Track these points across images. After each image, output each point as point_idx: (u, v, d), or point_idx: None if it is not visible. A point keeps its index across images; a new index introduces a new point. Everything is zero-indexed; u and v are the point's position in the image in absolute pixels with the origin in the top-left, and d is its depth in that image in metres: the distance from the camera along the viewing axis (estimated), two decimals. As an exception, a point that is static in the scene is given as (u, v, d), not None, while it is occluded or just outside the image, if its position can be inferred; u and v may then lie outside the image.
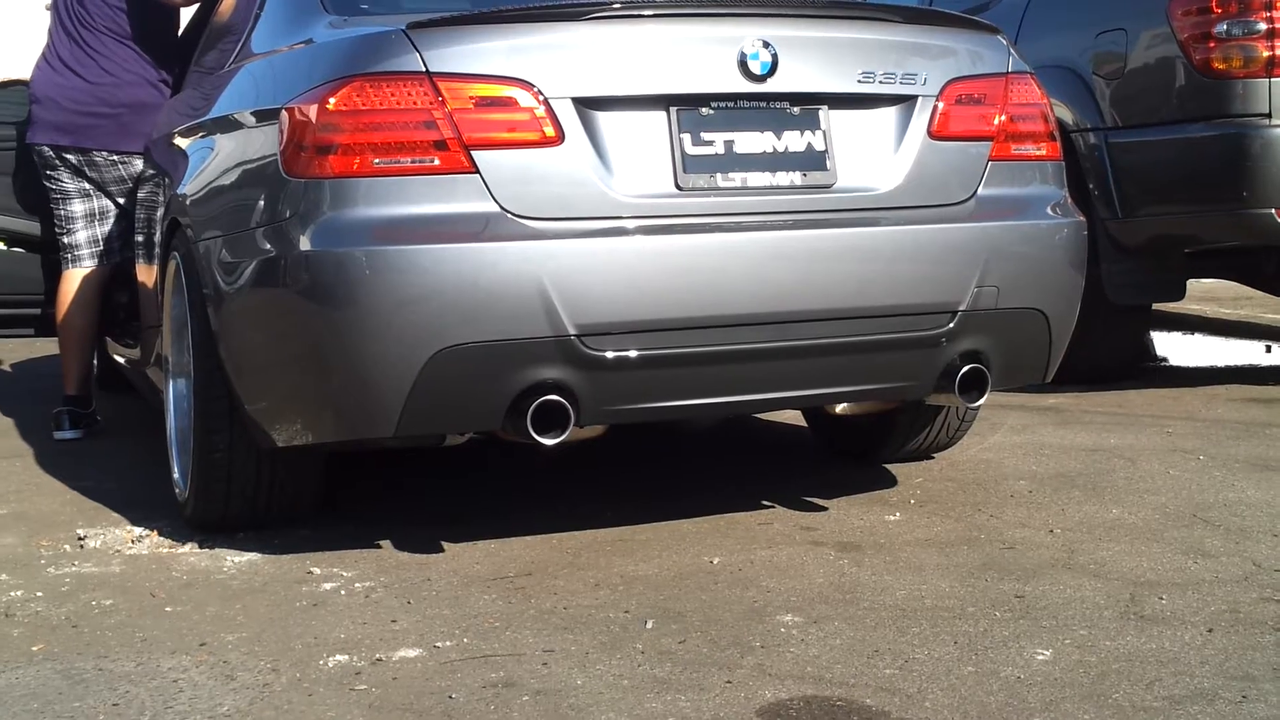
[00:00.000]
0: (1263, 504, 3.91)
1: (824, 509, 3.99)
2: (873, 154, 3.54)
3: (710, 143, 3.40)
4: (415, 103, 3.24)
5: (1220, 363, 6.75)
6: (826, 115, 3.50)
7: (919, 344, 3.54)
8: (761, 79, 3.41)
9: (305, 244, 3.25)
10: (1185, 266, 5.74)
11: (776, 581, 3.30)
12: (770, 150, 3.44)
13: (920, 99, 3.58)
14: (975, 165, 3.63)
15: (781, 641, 2.89)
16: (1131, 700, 2.53)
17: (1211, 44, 5.26)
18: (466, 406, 3.30)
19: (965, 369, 3.58)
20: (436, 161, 3.24)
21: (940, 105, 3.60)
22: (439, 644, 2.93)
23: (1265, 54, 5.17)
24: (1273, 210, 5.15)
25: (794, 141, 3.46)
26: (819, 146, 3.48)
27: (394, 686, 2.70)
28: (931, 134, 3.58)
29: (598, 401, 3.32)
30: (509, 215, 3.25)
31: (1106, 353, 5.81)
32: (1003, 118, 3.67)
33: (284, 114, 3.36)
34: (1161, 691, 2.57)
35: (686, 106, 3.39)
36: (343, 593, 3.31)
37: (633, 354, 3.29)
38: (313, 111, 3.27)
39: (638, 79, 3.35)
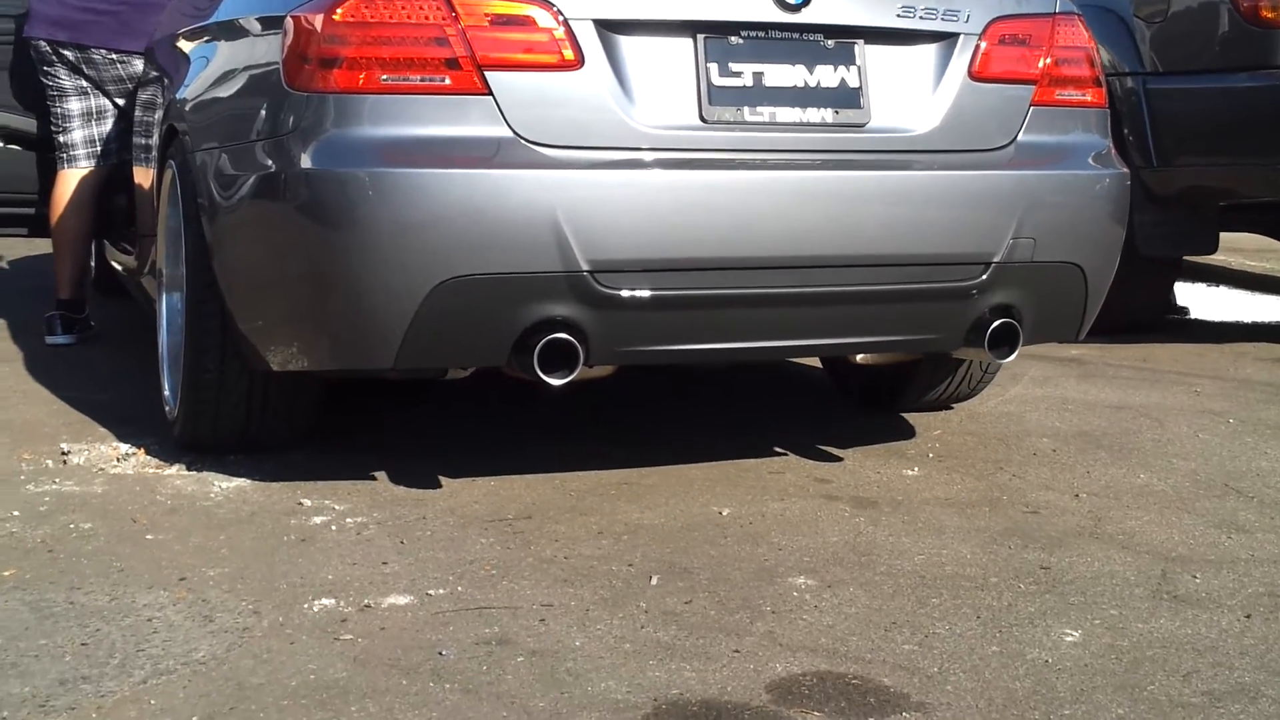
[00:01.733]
0: (1296, 475, 3.75)
1: (839, 459, 3.82)
2: (909, 93, 3.34)
3: (738, 74, 3.20)
4: (427, 17, 3.04)
5: (1245, 318, 6.57)
6: (862, 50, 3.30)
7: (949, 295, 3.36)
8: (795, 8, 3.21)
9: (306, 161, 3.06)
10: (1219, 219, 5.54)
11: (788, 538, 3.14)
12: (801, 85, 3.24)
13: (962, 37, 3.37)
14: (1016, 109, 3.43)
15: (794, 607, 2.74)
16: (1168, 693, 2.38)
17: (1262, -10, 5.02)
18: (470, 340, 3.12)
19: (996, 323, 3.40)
20: (447, 81, 3.04)
21: (983, 45, 3.39)
22: (431, 591, 2.78)
23: (1317, 2, 4.94)
24: (1315, 165, 4.94)
25: (827, 77, 3.26)
26: (853, 83, 3.28)
27: (381, 638, 2.55)
28: (972, 75, 3.37)
29: (609, 341, 3.15)
30: (522, 141, 3.06)
31: (1133, 305, 5.62)
32: (1047, 60, 3.46)
33: (288, 21, 3.16)
34: (1200, 685, 2.41)
35: (715, 34, 3.18)
36: (333, 528, 3.16)
37: (647, 293, 3.11)
38: (318, 21, 3.07)
39: (664, 1, 3.14)
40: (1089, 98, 3.53)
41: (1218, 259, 7.64)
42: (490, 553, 3.01)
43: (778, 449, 3.91)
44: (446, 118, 3.04)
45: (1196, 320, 6.60)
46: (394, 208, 3.00)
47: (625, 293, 3.09)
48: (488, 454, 3.78)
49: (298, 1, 3.17)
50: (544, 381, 3.10)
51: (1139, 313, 5.73)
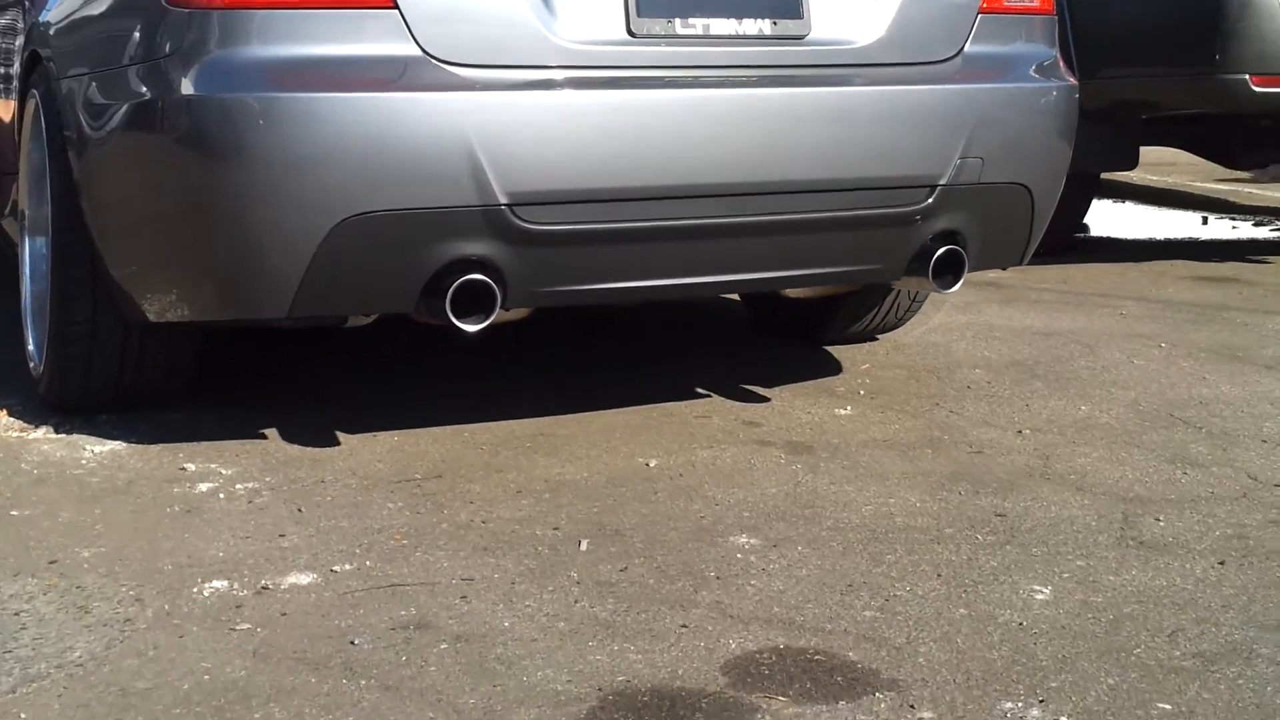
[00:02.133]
0: (1240, 402, 3.59)
1: (766, 400, 3.59)
2: (852, 1, 3.07)
3: (666, -20, 2.91)
4: (317, -81, 2.71)
5: (1158, 235, 6.44)
6: (798, -48, 3.02)
7: (892, 222, 3.12)
8: (727, -94, 2.92)
9: (187, 87, 2.72)
10: (1141, 134, 5.37)
11: (724, 491, 2.91)
12: (735, -8, 2.96)
13: (904, -65, 3.11)
14: (963, 18, 3.18)
15: (739, 571, 2.50)
16: (1156, 657, 2.18)
17: (1188, -108, 4.83)
18: (375, 285, 2.82)
19: (941, 250, 3.18)
20: (344, -9, 2.72)
21: (926, -55, 3.13)
22: (336, 567, 2.49)
23: (1244, -98, 4.75)
24: (1246, 76, 4.77)
25: (761, -18, 2.99)
26: (789, -11, 3.01)
27: (283, 626, 2.26)
28: (916, -21, 3.12)
29: (528, 281, 2.87)
30: (431, 60, 2.75)
31: (1050, 224, 5.43)
32: (993, -37, 3.22)
33: (158, -71, 2.80)
34: (1187, 646, 2.22)
35: (640, -64, 2.89)
36: (221, 496, 2.85)
37: (573, 228, 2.84)
38: (201, -73, 2.72)
39: (582, -99, 2.85)
40: (1036, 3, 3.30)
41: (1122, 175, 7.51)
42: (399, 519, 2.73)
43: (700, 390, 3.66)
44: (346, 34, 2.72)
45: (1109, 239, 6.46)
46: (287, 137, 2.68)
47: (548, 227, 2.81)
48: (390, 406, 3.49)
49: (167, -93, 2.81)
50: (457, 328, 2.81)
51: (1056, 233, 5.54)
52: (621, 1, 2.88)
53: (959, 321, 4.50)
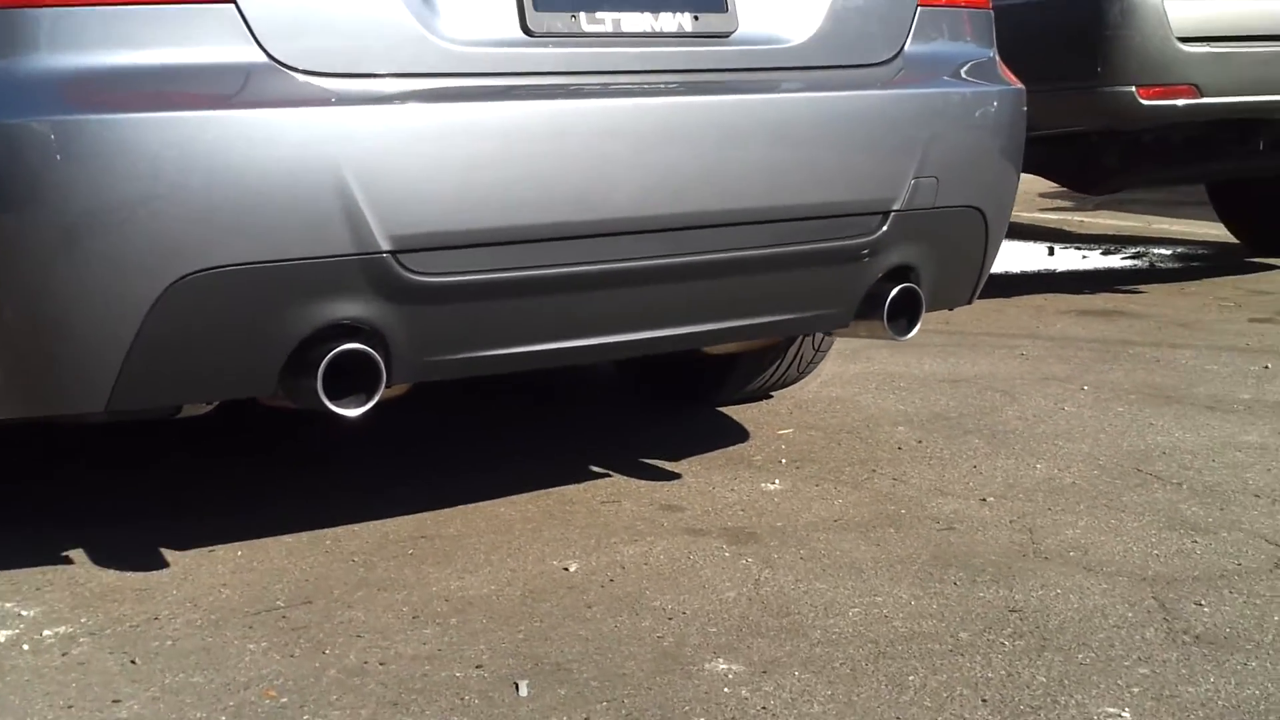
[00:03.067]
0: (1203, 450, 3.17)
1: (676, 475, 3.03)
2: (780, -7, 2.56)
3: (569, -32, 2.35)
4: (126, -111, 2.06)
5: (1010, 267, 6.09)
6: (719, -65, 2.49)
7: (840, 257, 2.60)
8: (637, -124, 2.37)
9: (-50, 112, 2.04)
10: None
11: (673, 600, 2.33)
12: (650, -18, 2.41)
13: (836, -84, 2.61)
14: (901, 12, 2.69)
15: (735, 715, 1.93)
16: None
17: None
18: (221, 363, 2.17)
19: (895, 290, 2.66)
20: (165, -17, 2.08)
21: (860, -72, 2.64)
22: (200, 746, 1.84)
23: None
24: (1133, 88, 4.42)
25: (680, -29, 2.44)
26: (713, -20, 2.47)
27: None
28: (853, -34, 2.62)
29: (419, 349, 2.26)
30: (282, 68, 2.13)
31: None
32: (931, -51, 2.74)
33: (-94, -93, 2.12)
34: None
35: (534, -88, 2.32)
36: (25, 647, 2.17)
37: (472, 278, 2.24)
38: (-44, -99, 2.05)
39: None
40: (973, -5, 2.83)
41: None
42: (268, 666, 2.09)
43: (597, 468, 3.08)
44: (169, 36, 2.07)
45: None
46: (97, 174, 2.02)
47: (440, 279, 2.20)
48: (223, 511, 2.82)
49: (-82, -123, 2.13)
50: (332, 412, 2.18)
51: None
52: (515, -6, 2.31)
53: (852, 371, 4.01)
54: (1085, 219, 7.78)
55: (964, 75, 2.78)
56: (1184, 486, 2.92)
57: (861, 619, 2.25)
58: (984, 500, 2.85)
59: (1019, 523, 2.71)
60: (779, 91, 2.51)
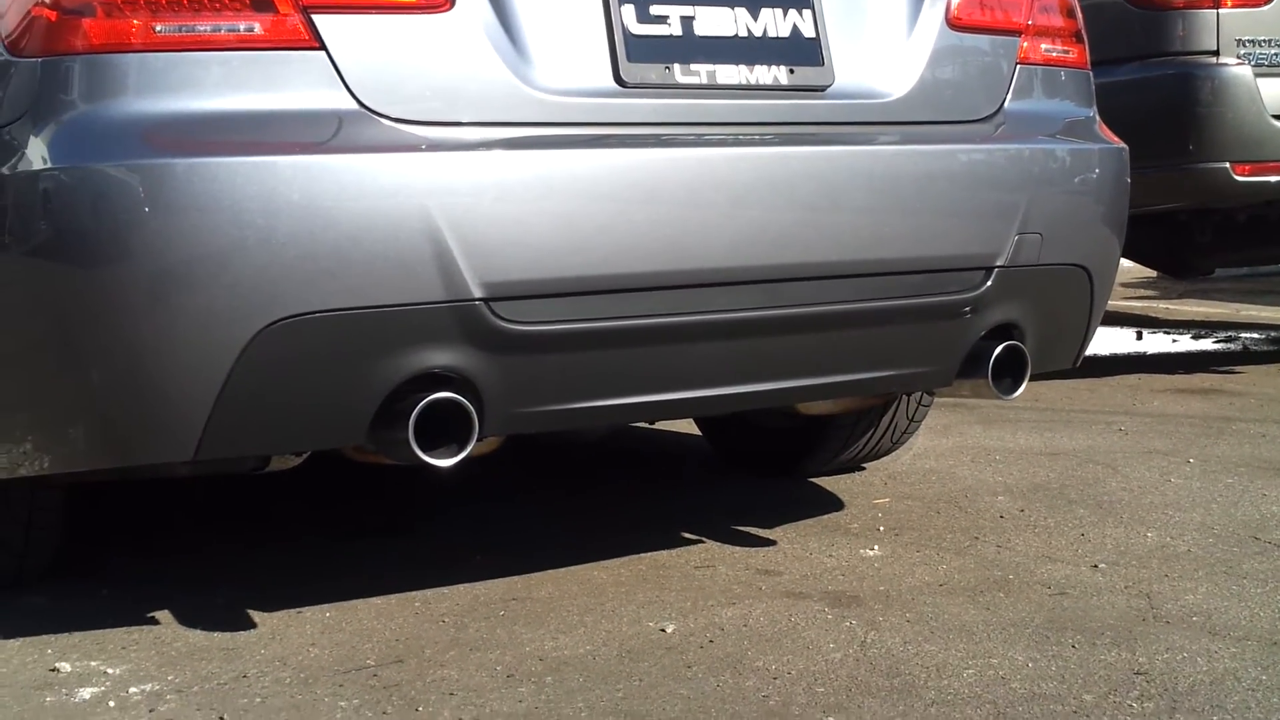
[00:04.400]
0: (1321, 519, 3.04)
1: (771, 542, 2.94)
2: (878, 46, 2.52)
3: (663, 18, 2.32)
4: (221, -64, 2.06)
5: (1099, 350, 5.96)
6: (816, -13, 2.46)
7: (941, 313, 2.53)
8: (734, -74, 2.35)
9: (41, 157, 2.03)
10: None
11: (776, 660, 2.24)
12: (745, 34, 2.38)
13: (937, -29, 2.57)
14: (1001, 68, 2.64)
15: (849, 772, 1.83)
16: None
17: (1147, -32, 4.42)
18: (311, 412, 2.12)
19: (1000, 348, 2.58)
20: (257, 28, 2.07)
21: (960, -20, 2.60)
22: (290, 801, 1.77)
23: (1212, -21, 4.36)
24: (1227, 164, 4.33)
25: (775, 23, 2.41)
26: (808, 31, 2.43)
27: None
28: (950, 21, 2.58)
29: (511, 400, 2.20)
30: (373, 115, 2.10)
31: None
32: (1031, 5, 2.69)
33: (6, -40, 2.13)
34: None
35: (628, -38, 2.30)
36: (112, 704, 2.11)
37: (566, 327, 2.18)
38: (53, -48, 2.06)
39: (560, -83, 2.25)
40: (1072, 55, 2.77)
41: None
42: (361, 723, 2.01)
43: (689, 535, 3.00)
44: (259, 83, 2.06)
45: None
46: (185, 220, 2.00)
47: (534, 328, 2.15)
48: (307, 573, 2.76)
49: (19, -68, 2.14)
50: (424, 463, 2.12)
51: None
52: (607, 43, 2.27)
53: (946, 445, 3.91)
54: (1172, 306, 7.64)
55: (1065, 133, 2.72)
56: (1304, 553, 2.80)
57: (977, 680, 2.15)
58: (1095, 566, 2.74)
59: (1135, 588, 2.60)
60: (877, 144, 2.46)
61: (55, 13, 2.05)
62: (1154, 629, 2.37)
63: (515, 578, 2.69)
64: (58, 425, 2.18)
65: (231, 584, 2.68)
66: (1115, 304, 7.68)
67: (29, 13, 2.07)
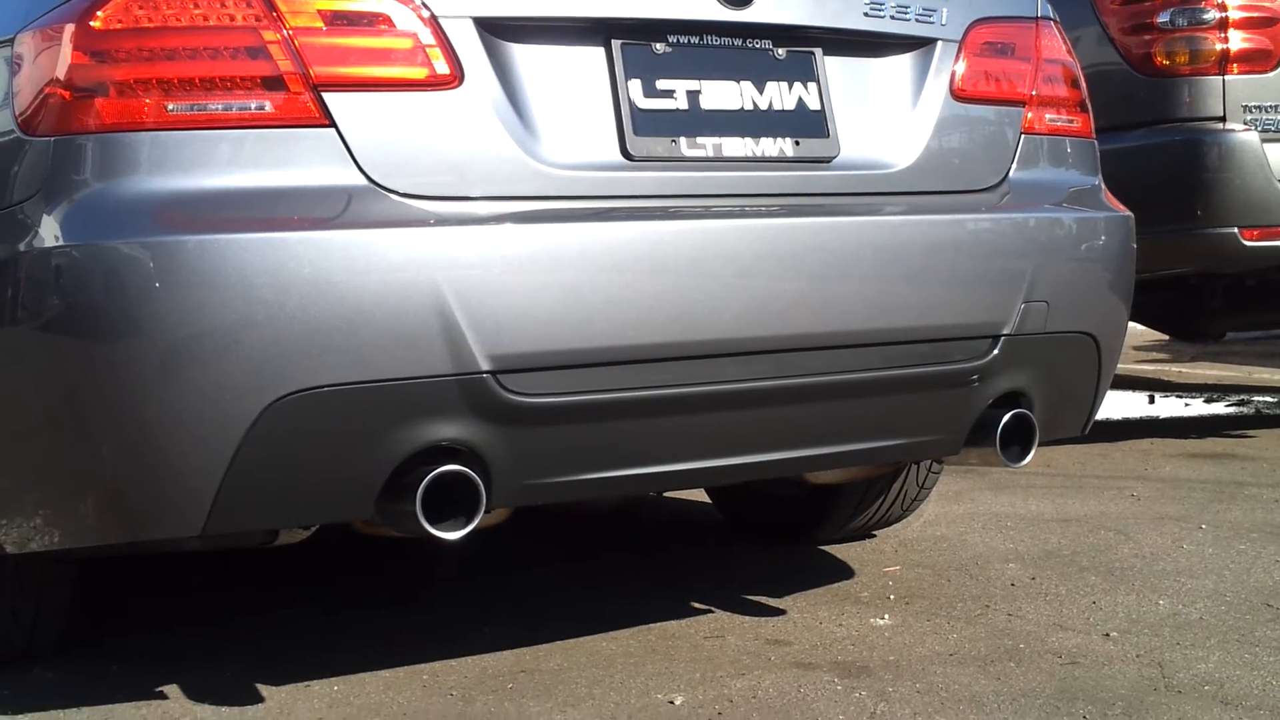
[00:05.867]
0: (1334, 586, 3.03)
1: (781, 611, 2.93)
2: (882, 118, 2.54)
3: (669, 93, 2.34)
4: (233, 16, 2.09)
5: (1111, 414, 5.96)
6: (821, 62, 2.48)
7: (949, 381, 2.54)
8: (739, 2, 2.37)
9: (54, 235, 2.05)
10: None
11: (785, 733, 2.23)
12: (750, 107, 2.40)
13: (940, 44, 2.60)
14: (1006, 138, 2.66)
15: None
16: None
17: (1152, 36, 4.45)
18: (319, 486, 2.13)
19: (1007, 416, 2.59)
20: (268, 107, 2.09)
21: (964, 54, 2.62)
22: None
23: (1217, 47, 4.39)
24: (1236, 229, 4.34)
25: (781, 96, 2.43)
26: (814, 104, 2.46)
27: None
28: (954, 93, 2.60)
29: (519, 472, 2.21)
30: (382, 191, 2.12)
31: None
32: (1035, 75, 2.71)
33: (22, 41, 2.16)
34: None
35: (635, 39, 2.33)
36: (119, 782, 2.10)
37: (574, 399, 2.19)
38: (68, 33, 2.09)
39: (567, -5, 2.28)
40: (1077, 124, 2.80)
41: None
42: (368, 799, 2.01)
43: (697, 604, 2.99)
44: (269, 160, 2.08)
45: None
46: (196, 296, 2.01)
47: (541, 400, 2.16)
48: (312, 645, 2.76)
49: (34, 13, 2.17)
50: (432, 535, 2.12)
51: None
52: (614, 117, 2.30)
53: (956, 512, 3.90)
54: (1183, 369, 7.64)
55: (1070, 202, 2.74)
56: (1318, 621, 2.78)
57: (986, 753, 2.14)
58: (1107, 635, 2.72)
59: (1146, 657, 2.58)
60: (883, 215, 2.48)
61: (69, 92, 2.08)
62: (1166, 699, 2.36)
63: (523, 649, 2.69)
64: (68, 500, 2.19)
65: (239, 657, 2.68)
66: (1127, 367, 7.69)
67: (42, 91, 2.10)
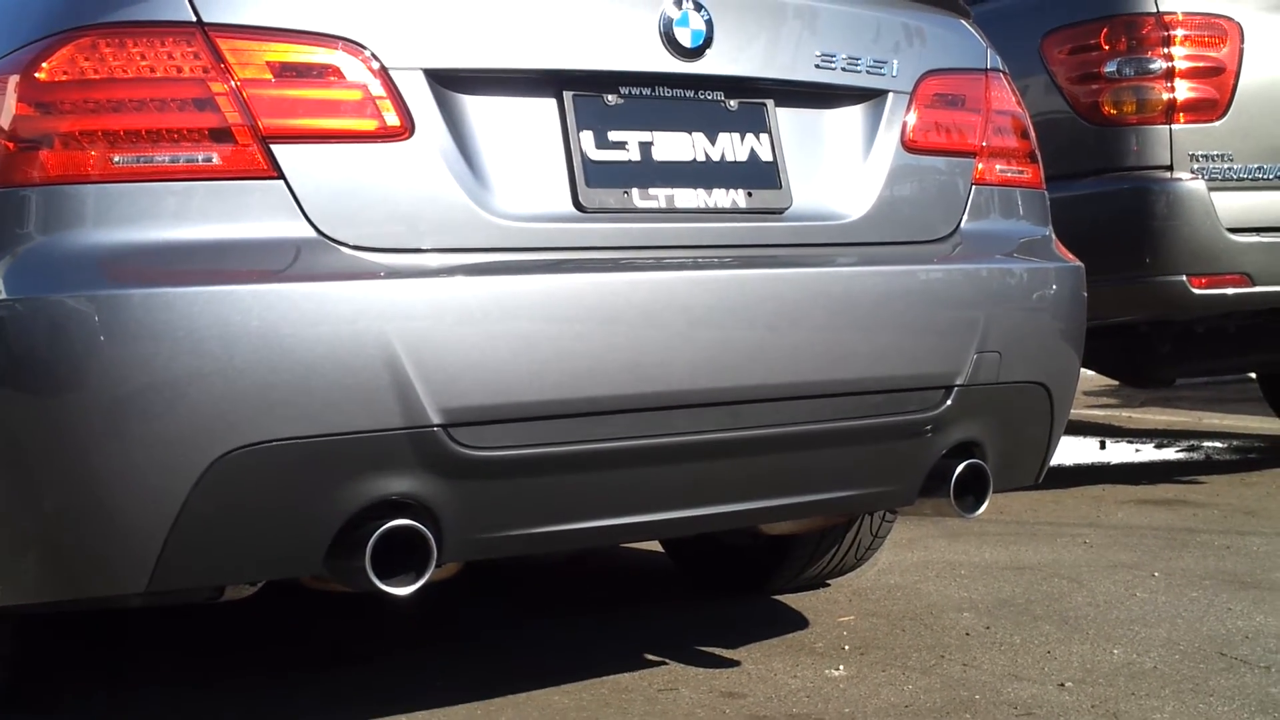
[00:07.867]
0: (1286, 634, 3.04)
1: (735, 663, 2.91)
2: (834, 169, 2.55)
3: (621, 144, 2.34)
4: (180, 68, 2.08)
5: (1064, 460, 5.98)
6: (773, 113, 2.49)
7: (901, 432, 2.53)
8: (691, 54, 2.38)
9: (-1, 288, 2.02)
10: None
11: (740, 790, 2.21)
12: (703, 158, 2.40)
13: (891, 96, 2.61)
14: (957, 189, 2.68)
15: None
16: None
17: (1100, 86, 4.50)
18: (267, 541, 2.10)
19: (961, 466, 2.58)
20: (215, 159, 2.07)
21: (914, 106, 2.63)
22: None
23: (1164, 96, 4.44)
24: (1184, 277, 4.38)
25: (733, 147, 2.43)
26: (766, 156, 2.46)
27: None
28: (905, 144, 2.61)
29: (470, 526, 2.18)
30: (331, 243, 2.10)
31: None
32: (986, 127, 2.73)
33: (-36, 91, 2.14)
34: None
35: (586, 90, 2.32)
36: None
37: (525, 452, 2.17)
38: (11, 84, 2.07)
39: (518, 47, 2.27)
40: (1027, 175, 2.81)
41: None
42: None
43: (651, 656, 2.97)
44: (216, 212, 2.06)
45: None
46: (142, 349, 1.98)
47: (492, 454, 2.14)
48: (269, 701, 2.71)
49: (-23, 62, 2.15)
50: (382, 591, 2.10)
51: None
52: (565, 168, 2.29)
53: (910, 560, 3.90)
54: (1134, 414, 7.69)
55: (1022, 252, 2.75)
56: (1272, 670, 2.78)
57: (942, 808, 2.12)
58: (1062, 685, 2.72)
59: (1101, 707, 2.58)
60: (835, 266, 2.48)
61: (12, 143, 2.05)
62: (1121, 752, 2.35)
63: (475, 704, 2.66)
64: (8, 556, 2.14)
65: (179, 711, 2.63)
66: (1079, 412, 7.73)
67: (-12, 146, 2.07)
